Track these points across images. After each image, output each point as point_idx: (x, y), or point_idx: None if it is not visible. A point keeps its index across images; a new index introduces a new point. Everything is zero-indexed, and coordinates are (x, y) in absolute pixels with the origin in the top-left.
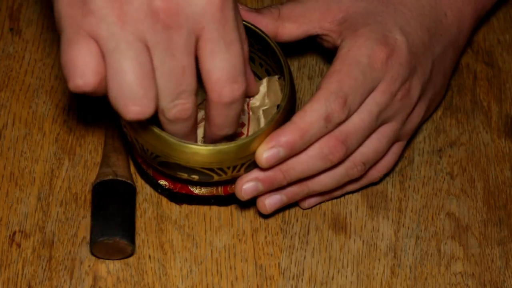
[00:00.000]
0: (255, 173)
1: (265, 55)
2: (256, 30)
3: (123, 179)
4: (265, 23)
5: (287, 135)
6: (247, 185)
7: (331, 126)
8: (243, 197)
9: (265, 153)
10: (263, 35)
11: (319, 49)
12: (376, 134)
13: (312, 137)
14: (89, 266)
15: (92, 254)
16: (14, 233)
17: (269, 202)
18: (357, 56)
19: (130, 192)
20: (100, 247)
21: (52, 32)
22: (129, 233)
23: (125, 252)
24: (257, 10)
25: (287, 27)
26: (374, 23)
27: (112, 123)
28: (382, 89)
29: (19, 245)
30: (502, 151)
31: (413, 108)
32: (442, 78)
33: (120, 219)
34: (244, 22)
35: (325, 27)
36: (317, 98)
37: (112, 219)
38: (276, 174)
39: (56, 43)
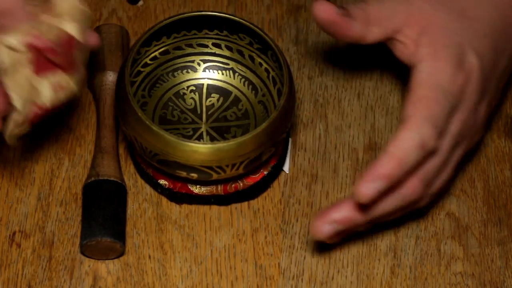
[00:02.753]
0: (334, 214)
1: (265, 54)
2: (256, 29)
3: (105, 178)
4: (356, 30)
5: (385, 167)
6: (325, 227)
7: (425, 154)
8: (318, 237)
9: (364, 188)
10: (263, 34)
11: (319, 49)
12: (450, 163)
13: (409, 166)
14: (89, 266)
15: (87, 256)
16: (14, 233)
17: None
18: (440, 82)
19: (113, 189)
20: (89, 249)
21: None
22: (113, 230)
23: (116, 249)
24: (347, 13)
25: (374, 31)
26: (452, 46)
27: (97, 123)
28: (459, 116)
29: (19, 245)
30: (502, 151)
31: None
32: (499, 93)
33: (102, 218)
34: (243, 21)
35: (406, 33)
36: (409, 126)
37: (94, 220)
38: (356, 216)
39: None
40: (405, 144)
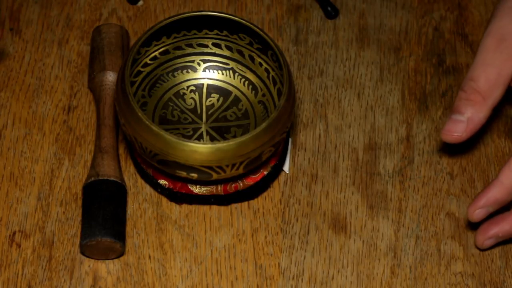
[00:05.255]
0: (496, 229)
1: (265, 54)
2: (256, 29)
3: (105, 178)
4: (484, 118)
5: (495, 194)
6: (489, 241)
7: None
8: (482, 247)
9: (476, 212)
10: (263, 34)
11: (319, 49)
12: None
13: None
14: (89, 266)
15: (87, 256)
16: (14, 233)
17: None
18: None
19: (113, 189)
20: (89, 249)
21: (52, 32)
22: (113, 230)
23: (116, 249)
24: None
25: (496, 96)
26: None
27: (97, 123)
28: None
29: (19, 245)
30: (502, 151)
31: None
32: None
33: (102, 218)
34: (243, 21)
35: None
36: None
37: (94, 220)
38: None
39: (56, 43)
40: None
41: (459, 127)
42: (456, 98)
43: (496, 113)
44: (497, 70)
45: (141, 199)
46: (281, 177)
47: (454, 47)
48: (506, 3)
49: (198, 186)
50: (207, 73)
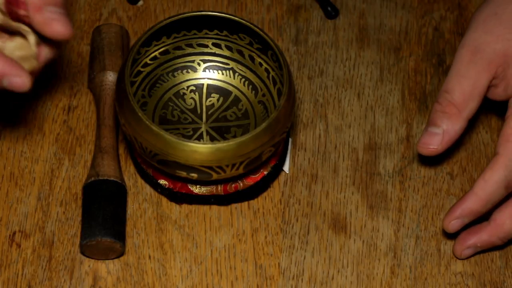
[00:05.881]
0: (474, 239)
1: (265, 54)
2: (256, 29)
3: (105, 178)
4: (461, 129)
5: (470, 206)
6: (467, 251)
7: (509, 191)
8: (461, 257)
9: (451, 223)
10: (263, 34)
11: (319, 49)
12: None
13: (492, 203)
14: (89, 266)
15: (87, 256)
16: (14, 233)
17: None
18: None
19: (113, 189)
20: (89, 249)
21: None
22: (113, 230)
23: (116, 249)
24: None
25: (471, 108)
26: None
27: (97, 123)
28: None
29: (19, 245)
30: None
31: None
32: None
33: (102, 218)
34: (243, 21)
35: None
36: (497, 167)
37: (94, 220)
38: (494, 241)
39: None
40: (490, 186)
41: (435, 140)
42: (431, 111)
43: (496, 113)
44: (472, 82)
45: (141, 199)
46: (281, 177)
47: (454, 47)
48: (480, 15)
49: (198, 186)
50: (207, 73)
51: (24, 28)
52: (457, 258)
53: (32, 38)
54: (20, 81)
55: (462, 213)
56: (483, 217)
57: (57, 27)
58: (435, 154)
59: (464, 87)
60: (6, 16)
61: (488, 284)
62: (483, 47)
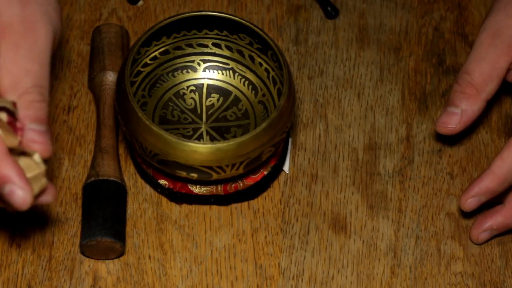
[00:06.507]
0: (491, 222)
1: (265, 54)
2: (256, 29)
3: (105, 178)
4: (478, 111)
5: (487, 184)
6: (483, 235)
7: None
8: (478, 242)
9: (468, 201)
10: (263, 34)
11: (319, 49)
12: None
13: (510, 182)
14: (89, 266)
15: (87, 256)
16: (14, 233)
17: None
18: None
19: (113, 189)
20: (89, 249)
21: None
22: (113, 230)
23: (116, 249)
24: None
25: (490, 89)
26: None
27: (97, 123)
28: None
29: (19, 245)
30: None
31: None
32: None
33: (102, 218)
34: (243, 21)
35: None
36: None
37: (94, 220)
38: (509, 223)
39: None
40: (508, 165)
41: (454, 119)
42: (451, 91)
43: (496, 113)
44: (491, 64)
45: (141, 199)
46: (281, 177)
47: (454, 47)
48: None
49: (198, 186)
50: (207, 73)
51: (28, 147)
52: (474, 243)
53: (37, 155)
54: (22, 195)
55: (479, 191)
56: (498, 201)
57: (37, 149)
58: (453, 133)
59: (483, 69)
60: (15, 138)
61: (488, 284)
62: (504, 30)
